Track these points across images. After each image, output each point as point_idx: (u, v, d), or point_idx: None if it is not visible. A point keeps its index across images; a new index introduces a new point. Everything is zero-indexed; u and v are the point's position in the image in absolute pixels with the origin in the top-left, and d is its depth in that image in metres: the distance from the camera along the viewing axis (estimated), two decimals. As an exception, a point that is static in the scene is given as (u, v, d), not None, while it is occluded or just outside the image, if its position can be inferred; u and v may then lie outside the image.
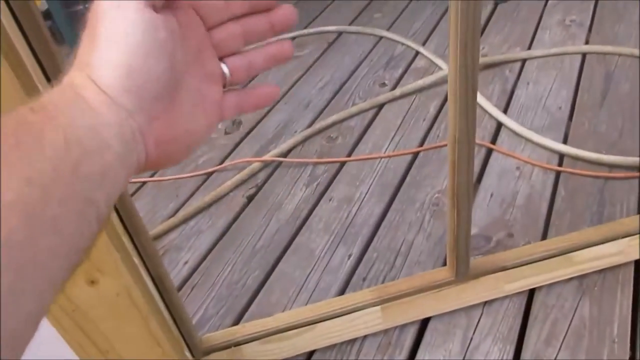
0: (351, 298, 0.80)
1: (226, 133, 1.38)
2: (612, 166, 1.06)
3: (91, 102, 0.26)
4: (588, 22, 1.51)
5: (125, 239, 0.57)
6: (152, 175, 1.28)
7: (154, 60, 0.28)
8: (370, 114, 1.35)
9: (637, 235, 0.84)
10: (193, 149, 0.33)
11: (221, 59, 0.34)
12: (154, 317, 0.60)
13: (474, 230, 0.98)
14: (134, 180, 1.27)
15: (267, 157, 1.25)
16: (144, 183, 1.26)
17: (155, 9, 0.29)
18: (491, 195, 1.05)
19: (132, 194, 1.23)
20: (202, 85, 0.33)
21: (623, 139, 1.12)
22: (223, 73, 0.34)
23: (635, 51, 1.34)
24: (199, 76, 0.33)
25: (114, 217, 0.56)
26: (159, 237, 1.10)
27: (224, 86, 0.35)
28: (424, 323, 0.85)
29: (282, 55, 0.36)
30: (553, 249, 0.82)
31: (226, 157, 1.29)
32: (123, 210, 0.57)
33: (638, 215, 0.88)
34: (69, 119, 0.25)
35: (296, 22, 0.36)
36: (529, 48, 1.46)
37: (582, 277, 0.86)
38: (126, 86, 0.27)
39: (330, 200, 1.12)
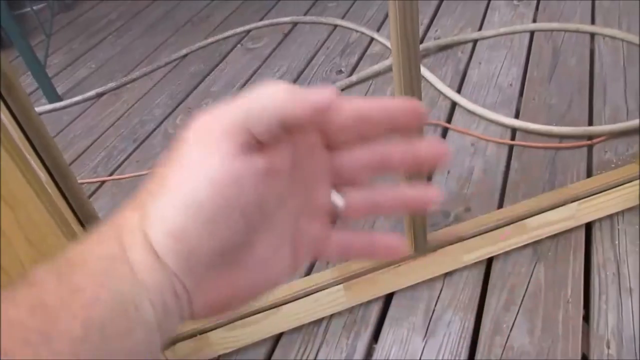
0: (313, 279, 0.81)
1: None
2: (562, 137, 1.09)
3: (133, 261, 0.22)
4: (535, 1, 1.55)
5: (77, 229, 0.56)
6: (110, 174, 1.26)
7: (217, 228, 0.23)
8: (328, 101, 1.35)
9: (587, 199, 0.87)
10: (264, 294, 0.26)
11: (337, 187, 0.27)
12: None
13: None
14: (91, 179, 1.25)
15: (227, 149, 1.24)
16: (103, 182, 1.24)
17: (259, 147, 0.23)
18: (448, 172, 1.07)
19: (91, 194, 1.21)
20: (301, 219, 0.26)
21: (572, 110, 1.16)
22: (335, 205, 0.27)
23: (581, 27, 1.38)
24: (299, 210, 0.26)
25: (61, 202, 0.55)
26: (120, 235, 1.09)
27: (333, 221, 0.27)
28: (388, 298, 0.86)
29: (424, 203, 0.27)
30: (507, 217, 0.85)
31: (186, 152, 1.28)
32: (73, 199, 0.57)
33: (587, 180, 0.92)
34: (98, 289, 0.22)
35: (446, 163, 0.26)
36: (480, 29, 1.49)
37: (536, 244, 0.89)
38: (175, 249, 0.23)
39: (292, 187, 1.12)
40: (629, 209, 0.92)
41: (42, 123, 0.54)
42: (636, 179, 0.88)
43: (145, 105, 1.51)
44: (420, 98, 0.67)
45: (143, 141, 1.36)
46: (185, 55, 1.71)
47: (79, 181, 1.24)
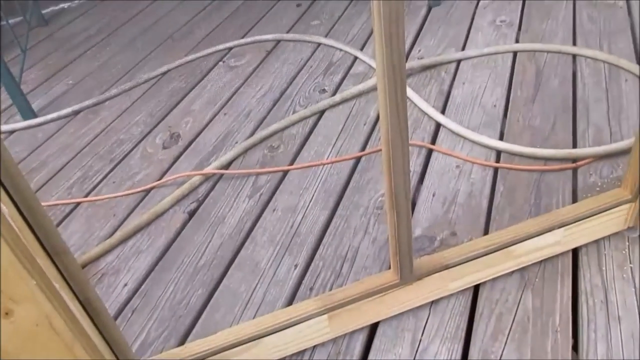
0: (296, 309, 0.78)
1: (164, 147, 1.34)
2: (546, 159, 1.08)
3: None
4: (517, 22, 1.56)
5: (42, 262, 0.52)
6: (86, 195, 1.22)
7: None
8: (311, 120, 1.34)
9: (573, 225, 0.86)
10: None
11: None
12: (80, 344, 0.56)
13: (417, 232, 0.98)
14: (66, 201, 1.21)
15: (207, 169, 1.21)
16: (78, 203, 1.20)
17: None
18: (433, 195, 1.05)
19: (66, 216, 1.17)
20: None
21: (555, 132, 1.15)
22: None
23: (563, 48, 1.39)
24: None
25: (29, 236, 0.52)
26: (95, 259, 1.05)
27: None
28: (373, 328, 0.84)
29: None
30: (493, 244, 0.83)
31: (165, 172, 1.25)
32: (39, 228, 0.53)
33: (573, 205, 0.90)
34: None
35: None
36: (463, 49, 1.49)
37: (523, 270, 0.87)
38: None
39: (274, 210, 1.09)
40: (615, 234, 0.91)
41: (5, 149, 0.50)
42: (622, 204, 0.87)
43: (124, 124, 1.47)
44: (406, 120, 0.65)
45: (120, 161, 1.32)
46: (165, 72, 1.68)
47: (53, 202, 1.20)
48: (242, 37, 1.79)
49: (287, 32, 1.77)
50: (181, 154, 1.31)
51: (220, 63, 1.68)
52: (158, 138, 1.38)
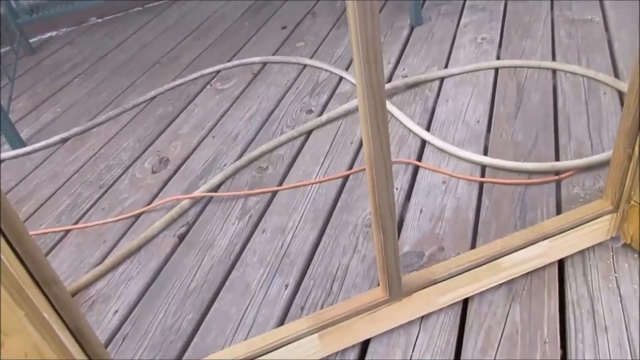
0: (287, 329, 0.78)
1: (153, 172, 1.35)
2: (530, 173, 1.10)
3: None
4: (498, 39, 1.60)
5: (32, 292, 0.53)
6: (75, 222, 1.22)
7: None
8: (299, 141, 1.35)
9: (558, 236, 0.87)
10: None
11: None
12: (70, 374, 0.56)
13: (406, 248, 0.99)
14: (55, 229, 1.21)
15: (196, 193, 1.22)
16: (68, 231, 1.20)
17: None
18: (420, 211, 1.07)
19: (55, 244, 1.17)
20: None
21: (538, 145, 1.17)
22: None
23: (543, 63, 1.42)
24: None
25: (18, 267, 0.52)
26: (85, 287, 1.05)
27: None
28: (364, 346, 0.84)
29: None
30: (480, 257, 0.84)
31: (154, 197, 1.26)
32: (28, 259, 0.54)
33: (557, 217, 0.92)
34: None
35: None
36: (446, 67, 1.52)
37: (510, 283, 0.88)
38: None
39: (263, 231, 1.10)
40: (599, 244, 0.92)
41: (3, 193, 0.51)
42: (604, 215, 0.89)
43: (112, 150, 1.48)
44: (387, 142, 0.66)
45: (110, 187, 1.33)
46: (153, 98, 1.70)
47: (42, 231, 1.20)
48: (229, 60, 1.81)
49: (273, 54, 1.79)
50: (170, 178, 1.31)
51: (208, 86, 1.70)
52: (147, 163, 1.39)
